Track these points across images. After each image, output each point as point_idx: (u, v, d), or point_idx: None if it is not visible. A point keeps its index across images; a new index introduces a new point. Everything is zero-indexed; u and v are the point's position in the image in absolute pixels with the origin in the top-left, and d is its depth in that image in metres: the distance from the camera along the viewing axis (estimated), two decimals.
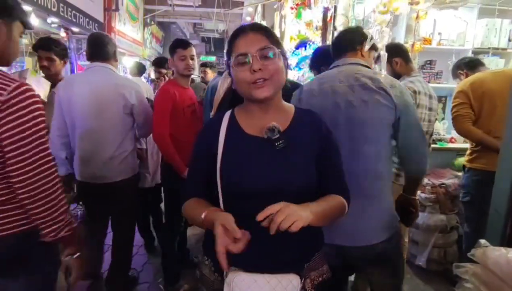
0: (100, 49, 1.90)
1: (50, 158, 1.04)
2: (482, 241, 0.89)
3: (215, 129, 0.98)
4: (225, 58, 0.99)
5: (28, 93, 0.99)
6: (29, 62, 6.04)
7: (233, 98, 1.03)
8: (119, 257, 2.10)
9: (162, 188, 2.40)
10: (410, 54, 2.57)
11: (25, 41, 5.86)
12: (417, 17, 2.53)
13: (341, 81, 1.33)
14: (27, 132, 0.97)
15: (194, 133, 1.31)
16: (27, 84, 1.02)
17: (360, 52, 1.42)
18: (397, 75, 2.15)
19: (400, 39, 3.64)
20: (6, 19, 1.07)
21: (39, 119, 1.01)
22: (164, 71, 3.39)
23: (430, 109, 2.08)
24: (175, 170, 2.00)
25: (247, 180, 0.91)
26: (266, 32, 0.93)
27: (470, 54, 3.68)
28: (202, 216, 0.86)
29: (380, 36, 1.86)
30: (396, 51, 2.14)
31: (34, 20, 4.35)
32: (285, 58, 0.97)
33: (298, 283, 0.90)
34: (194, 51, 2.13)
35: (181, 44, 2.11)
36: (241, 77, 0.90)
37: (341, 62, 1.42)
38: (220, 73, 4.21)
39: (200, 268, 1.05)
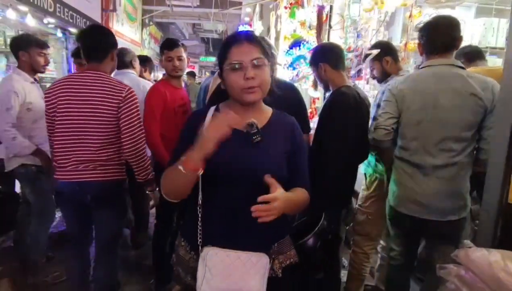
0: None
1: (143, 132, 1.73)
2: (467, 241, 0.87)
3: (200, 120, 1.06)
4: (218, 60, 1.09)
5: (133, 93, 1.69)
6: None
7: (221, 95, 1.13)
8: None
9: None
10: (403, 53, 2.55)
11: None
12: (410, 15, 2.50)
13: (435, 83, 1.51)
14: (133, 115, 1.66)
15: None
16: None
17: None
18: (387, 74, 2.12)
19: (397, 39, 3.63)
20: None
21: (138, 108, 1.71)
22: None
23: None
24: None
25: (224, 166, 1.01)
26: (259, 43, 1.03)
27: None
28: (180, 166, 0.93)
29: (365, 34, 1.83)
30: (386, 50, 2.11)
31: (30, 21, 4.34)
32: (272, 69, 1.09)
33: (267, 261, 1.01)
34: (181, 52, 2.10)
35: (167, 46, 2.11)
36: (234, 82, 1.01)
37: (436, 63, 1.56)
38: (213, 73, 4.22)
39: (176, 252, 1.14)
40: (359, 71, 2.85)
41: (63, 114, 1.65)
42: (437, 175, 1.54)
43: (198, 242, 1.03)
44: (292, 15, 2.97)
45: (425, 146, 1.56)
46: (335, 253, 1.88)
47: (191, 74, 7.76)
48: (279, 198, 0.90)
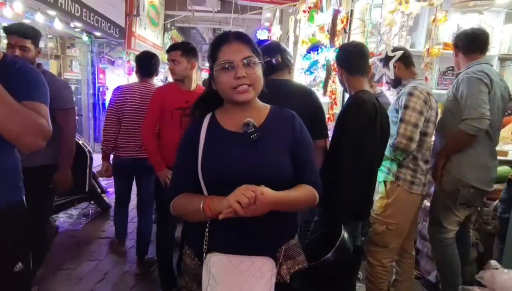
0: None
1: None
2: (493, 262, 0.79)
3: (197, 129, 1.07)
4: (208, 61, 1.08)
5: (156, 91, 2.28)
6: (54, 65, 6.30)
7: (212, 98, 1.10)
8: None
9: (155, 189, 2.42)
10: (426, 58, 2.45)
11: (51, 45, 6.13)
12: (435, 20, 2.40)
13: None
14: None
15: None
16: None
17: None
18: (398, 79, 2.06)
19: (420, 44, 3.51)
20: None
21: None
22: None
23: (436, 113, 2.01)
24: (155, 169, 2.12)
25: (225, 169, 1.00)
26: (248, 42, 1.02)
27: (496, 61, 3.49)
28: (201, 204, 0.94)
29: (388, 38, 1.77)
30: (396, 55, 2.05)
31: (57, 25, 4.51)
32: (262, 66, 1.07)
33: (272, 266, 0.99)
34: (177, 55, 2.12)
35: (168, 48, 2.22)
36: (225, 82, 0.99)
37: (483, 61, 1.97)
38: None
39: (184, 261, 1.13)
40: (381, 77, 2.77)
41: (130, 111, 2.53)
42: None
43: (204, 248, 1.01)
44: (311, 19, 2.93)
45: (496, 131, 2.05)
46: (356, 268, 1.79)
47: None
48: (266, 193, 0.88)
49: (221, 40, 1.02)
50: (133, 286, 2.43)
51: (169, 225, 2.27)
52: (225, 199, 0.89)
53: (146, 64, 2.60)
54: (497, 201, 2.41)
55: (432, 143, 2.09)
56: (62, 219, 3.43)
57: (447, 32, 3.24)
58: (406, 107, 1.85)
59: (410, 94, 1.86)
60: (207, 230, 1.01)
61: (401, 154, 1.88)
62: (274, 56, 1.76)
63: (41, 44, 6.39)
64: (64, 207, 3.34)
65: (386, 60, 2.04)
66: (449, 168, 2.06)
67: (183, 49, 2.14)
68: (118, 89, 2.62)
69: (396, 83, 2.08)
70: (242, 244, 1.00)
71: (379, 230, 1.98)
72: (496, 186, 2.48)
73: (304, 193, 1.04)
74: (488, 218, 2.45)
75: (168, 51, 2.17)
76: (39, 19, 4.31)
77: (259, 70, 1.02)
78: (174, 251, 2.34)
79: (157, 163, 2.10)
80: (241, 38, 1.01)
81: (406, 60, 2.02)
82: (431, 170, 2.09)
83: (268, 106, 1.13)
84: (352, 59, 1.80)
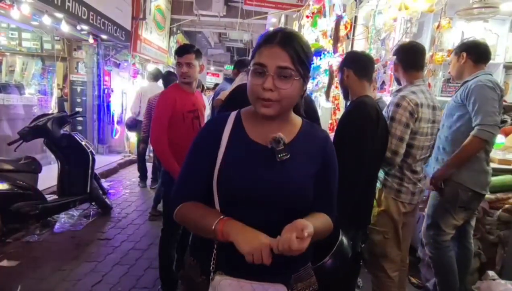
0: None
1: None
2: (491, 273, 0.77)
3: (219, 130, 0.95)
4: (250, 56, 0.95)
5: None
6: (60, 67, 6.38)
7: (237, 98, 1.05)
8: None
9: (162, 191, 2.39)
10: (429, 65, 2.43)
11: (58, 47, 6.21)
12: (439, 26, 2.39)
13: None
14: None
15: None
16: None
17: None
18: (397, 80, 2.05)
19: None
20: None
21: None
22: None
23: (433, 121, 1.93)
24: (172, 175, 1.98)
25: (246, 186, 0.90)
26: (293, 51, 0.86)
27: (501, 68, 3.47)
28: (214, 225, 0.84)
29: (389, 43, 1.76)
30: (396, 54, 2.03)
31: (64, 27, 4.57)
32: (306, 80, 0.93)
33: None
34: (191, 58, 2.08)
35: (178, 51, 2.13)
36: (253, 87, 0.88)
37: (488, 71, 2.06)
38: (226, 79, 4.24)
39: (185, 269, 1.03)
40: (383, 83, 2.76)
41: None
42: None
43: (211, 267, 0.92)
44: (314, 24, 2.93)
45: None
46: (355, 274, 1.76)
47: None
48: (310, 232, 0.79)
49: (267, 38, 0.89)
50: (131, 288, 2.42)
51: (174, 232, 2.21)
52: (241, 234, 0.80)
53: None
54: (500, 210, 2.38)
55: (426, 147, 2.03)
56: (63, 219, 3.43)
57: (452, 39, 3.23)
58: (392, 119, 1.83)
59: (397, 105, 1.83)
60: (215, 246, 0.92)
61: (385, 165, 1.88)
62: None
63: (48, 46, 6.50)
64: (65, 207, 3.34)
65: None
66: None
67: (195, 52, 2.11)
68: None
69: (398, 83, 2.08)
70: (254, 269, 0.87)
71: (377, 240, 1.96)
72: (499, 195, 2.45)
73: (326, 224, 0.95)
74: (491, 227, 2.41)
75: (182, 54, 2.08)
76: (46, 22, 4.38)
77: (294, 87, 0.87)
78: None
79: (176, 170, 1.94)
80: (286, 44, 0.86)
81: (405, 63, 1.97)
82: (424, 179, 2.05)
83: (300, 120, 1.00)
84: (363, 63, 1.81)
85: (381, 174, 1.94)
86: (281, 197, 0.90)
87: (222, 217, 0.86)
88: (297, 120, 1.00)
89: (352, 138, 1.67)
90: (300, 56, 0.87)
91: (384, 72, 1.92)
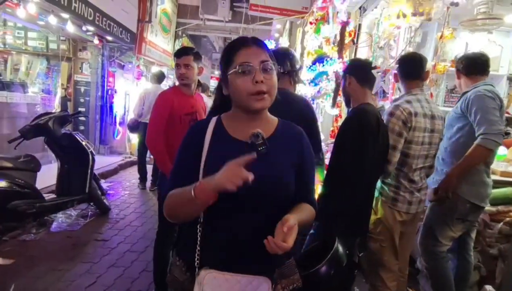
0: None
1: None
2: (488, 287, 0.75)
3: (201, 133, 1.02)
4: (221, 65, 1.03)
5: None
6: (65, 67, 6.42)
7: (224, 104, 1.06)
8: None
9: (158, 194, 2.38)
10: (432, 75, 2.42)
11: (63, 47, 6.26)
12: (441, 36, 2.38)
13: None
14: None
15: None
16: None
17: None
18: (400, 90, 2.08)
19: (428, 61, 3.48)
20: None
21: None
22: None
23: (432, 131, 1.91)
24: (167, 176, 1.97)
25: None
26: (265, 47, 0.99)
27: (505, 80, 3.45)
28: (192, 191, 0.87)
29: (388, 50, 1.76)
30: (398, 62, 2.04)
31: (70, 27, 4.61)
32: (278, 74, 1.04)
33: (269, 286, 0.95)
34: (189, 60, 2.09)
35: (176, 53, 2.16)
36: (242, 86, 0.94)
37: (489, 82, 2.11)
38: None
39: (170, 271, 1.06)
40: (384, 92, 2.74)
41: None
42: None
43: (196, 263, 0.96)
44: (317, 30, 2.94)
45: None
46: (350, 282, 1.74)
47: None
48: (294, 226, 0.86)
49: (239, 43, 0.99)
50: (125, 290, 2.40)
51: (169, 234, 2.19)
52: (216, 178, 0.85)
53: None
54: (501, 223, 2.34)
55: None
56: (61, 219, 3.42)
57: (455, 50, 3.22)
58: None
59: (391, 114, 1.83)
60: (198, 241, 0.96)
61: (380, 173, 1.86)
62: (283, 62, 1.75)
63: (54, 46, 6.55)
64: (63, 207, 3.33)
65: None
66: None
67: (194, 54, 2.13)
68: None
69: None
70: (238, 262, 0.96)
71: (374, 248, 1.94)
72: (501, 208, 2.42)
73: (308, 214, 1.01)
74: (491, 240, 2.38)
75: (180, 55, 2.10)
76: (52, 21, 4.42)
77: (275, 77, 0.99)
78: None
79: (169, 170, 1.99)
80: (259, 43, 0.99)
81: (403, 72, 1.98)
82: (425, 189, 2.03)
83: (276, 119, 1.08)
84: (366, 70, 1.82)
85: (378, 183, 1.93)
86: (264, 189, 0.93)
87: (196, 183, 0.90)
88: (274, 119, 1.08)
89: (353, 146, 1.66)
90: (270, 52, 1.00)
91: (384, 81, 1.91)
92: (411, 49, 2.72)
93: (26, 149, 3.35)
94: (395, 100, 2.00)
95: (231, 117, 1.04)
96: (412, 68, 1.96)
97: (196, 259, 0.96)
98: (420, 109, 1.85)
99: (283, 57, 1.78)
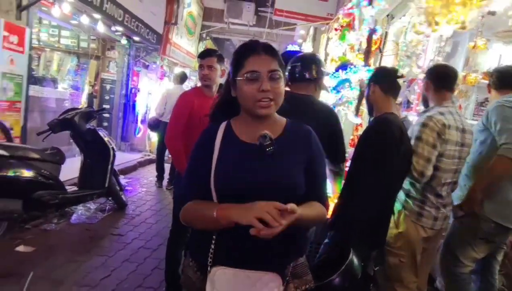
0: None
1: None
2: None
3: (211, 137, 1.05)
4: (231, 68, 1.05)
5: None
6: (93, 65, 6.66)
7: (227, 107, 1.10)
8: None
9: (173, 193, 2.40)
10: (461, 86, 2.33)
11: (93, 46, 6.51)
12: (475, 46, 2.29)
13: None
14: None
15: None
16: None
17: None
18: (425, 99, 1.97)
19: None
20: None
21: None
22: None
23: (462, 145, 1.82)
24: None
25: (239, 181, 0.99)
26: (276, 55, 1.01)
27: None
28: (214, 213, 0.92)
29: (414, 59, 1.70)
30: (428, 72, 1.97)
31: (100, 27, 4.78)
32: (285, 80, 1.06)
33: (280, 282, 0.96)
34: (213, 62, 2.11)
35: (201, 54, 2.19)
36: (249, 93, 0.98)
37: None
38: None
39: (184, 272, 1.11)
40: (408, 102, 2.66)
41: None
42: None
43: (208, 262, 0.99)
44: (343, 37, 2.90)
45: None
46: None
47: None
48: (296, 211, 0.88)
49: (250, 49, 1.01)
50: (137, 286, 2.43)
51: (182, 234, 2.20)
52: (241, 208, 0.89)
53: None
54: None
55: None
56: (80, 211, 3.52)
57: (488, 61, 3.08)
58: (418, 139, 1.75)
59: (424, 125, 1.75)
60: (213, 242, 0.99)
61: (412, 180, 1.80)
62: (309, 68, 1.73)
63: (84, 44, 6.80)
64: (83, 200, 3.43)
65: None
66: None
67: (217, 56, 2.15)
68: None
69: (424, 102, 2.00)
70: (249, 259, 0.98)
71: (392, 263, 1.86)
72: None
73: (318, 211, 1.04)
74: None
75: (204, 57, 2.14)
76: (84, 21, 4.60)
77: (283, 85, 1.01)
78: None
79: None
80: (270, 50, 1.01)
81: (436, 82, 1.89)
82: (450, 204, 1.94)
83: (284, 119, 1.11)
84: (391, 79, 1.78)
85: (401, 195, 1.86)
86: (274, 189, 0.97)
87: (218, 204, 0.97)
88: (282, 120, 1.10)
89: (373, 155, 1.62)
90: (280, 60, 1.02)
91: (409, 90, 1.85)
92: (440, 59, 2.63)
93: (53, 141, 3.48)
94: (425, 111, 1.92)
95: (239, 121, 1.08)
96: (446, 79, 1.89)
97: (209, 258, 0.99)
98: (452, 122, 1.78)
99: (310, 63, 1.75)
